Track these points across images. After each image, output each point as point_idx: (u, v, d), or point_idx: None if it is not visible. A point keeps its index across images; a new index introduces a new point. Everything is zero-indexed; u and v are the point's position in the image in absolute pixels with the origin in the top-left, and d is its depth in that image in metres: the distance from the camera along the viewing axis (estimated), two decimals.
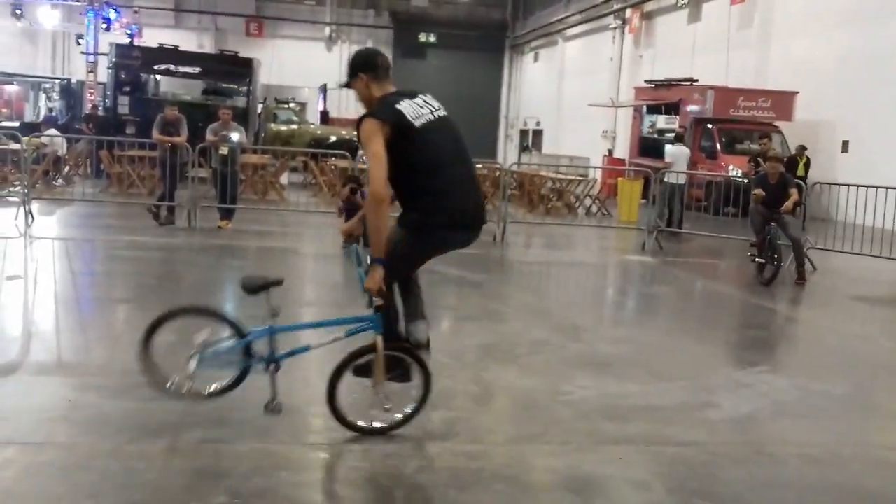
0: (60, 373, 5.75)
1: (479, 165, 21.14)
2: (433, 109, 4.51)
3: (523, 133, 39.94)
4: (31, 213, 12.79)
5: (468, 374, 6.12)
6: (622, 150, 28.17)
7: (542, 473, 4.43)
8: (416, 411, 4.73)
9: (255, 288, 4.48)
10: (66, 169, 18.72)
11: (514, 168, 20.92)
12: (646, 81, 25.86)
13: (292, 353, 4.66)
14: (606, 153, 28.88)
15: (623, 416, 5.32)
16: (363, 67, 4.59)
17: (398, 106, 4.38)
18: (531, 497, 4.14)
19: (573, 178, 20.08)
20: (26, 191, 13.43)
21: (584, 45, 34.07)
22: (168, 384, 4.60)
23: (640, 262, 12.85)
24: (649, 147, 24.35)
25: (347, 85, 4.64)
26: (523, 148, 38.18)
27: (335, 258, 11.23)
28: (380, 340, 4.46)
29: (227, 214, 13.28)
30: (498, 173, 18.34)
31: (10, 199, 14.90)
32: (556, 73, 35.88)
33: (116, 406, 4.95)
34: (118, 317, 7.76)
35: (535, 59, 39.53)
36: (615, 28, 30.68)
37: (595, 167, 24.47)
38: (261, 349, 4.58)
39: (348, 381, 4.62)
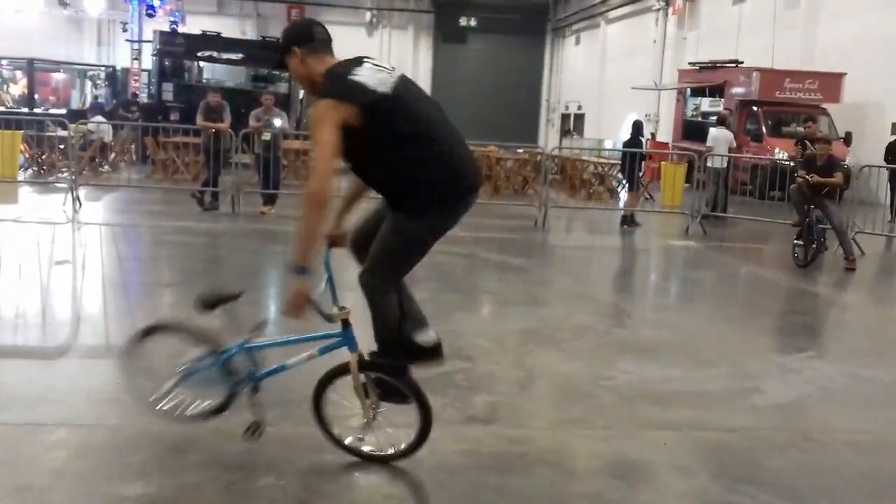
0: (109, 356, 5.84)
1: (520, 150, 21.10)
2: (389, 70, 3.79)
3: (564, 117, 39.66)
4: (78, 198, 12.99)
5: (510, 359, 6.13)
6: (665, 134, 27.86)
7: (586, 458, 4.42)
8: (412, 447, 4.07)
9: (210, 304, 3.91)
10: (113, 155, 18.99)
11: (556, 152, 20.80)
12: (690, 64, 25.54)
13: (272, 373, 4.07)
14: (649, 137, 28.60)
15: (667, 402, 5.29)
16: (296, 40, 3.81)
17: (353, 77, 3.63)
18: (575, 482, 4.14)
19: (615, 162, 19.91)
20: (74, 177, 13.65)
21: (626, 28, 33.71)
22: (151, 398, 4.19)
23: (683, 247, 12.72)
24: (693, 130, 24.04)
25: (280, 65, 3.87)
26: (565, 132, 37.93)
27: None
28: (354, 360, 3.87)
29: (269, 200, 13.38)
30: (539, 158, 18.24)
31: (58, 185, 15.19)
32: (598, 56, 35.55)
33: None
34: (164, 301, 7.87)
35: (577, 42, 39.19)
36: (658, 10, 30.31)
37: (637, 150, 24.23)
38: (241, 367, 4.07)
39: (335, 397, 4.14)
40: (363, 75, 3.63)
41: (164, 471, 3.94)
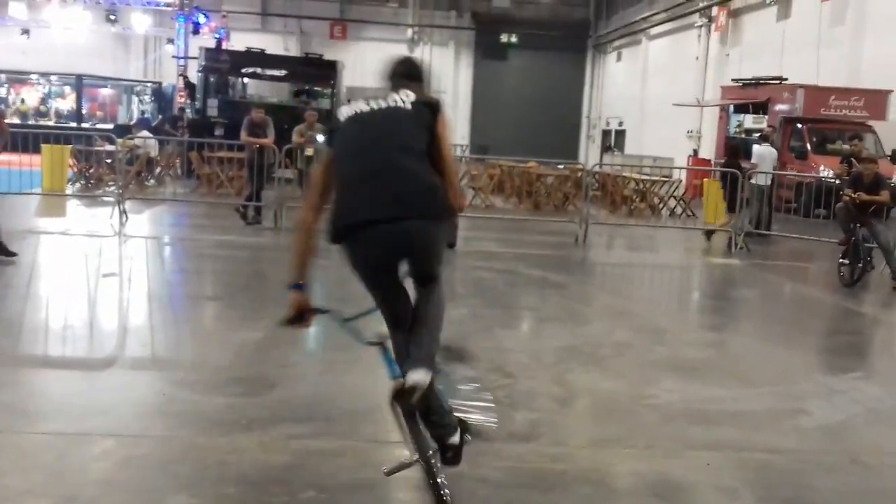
0: (155, 368, 5.93)
1: (560, 166, 21.07)
2: (385, 103, 3.64)
3: (605, 133, 39.52)
4: (124, 212, 13.20)
5: (550, 375, 6.10)
6: (708, 151, 27.63)
7: (628, 477, 4.38)
8: None
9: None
10: (158, 170, 19.28)
11: (597, 169, 20.74)
12: (733, 80, 25.32)
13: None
14: (691, 153, 28.38)
15: (710, 422, 5.23)
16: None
17: (339, 111, 3.77)
18: (616, 501, 4.11)
19: (657, 178, 19.81)
20: (120, 191, 13.88)
21: (668, 44, 33.53)
22: None
23: (726, 265, 12.60)
24: (736, 147, 23.81)
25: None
26: (605, 148, 37.79)
27: None
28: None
29: None
30: (580, 174, 18.20)
31: (105, 198, 15.44)
32: (640, 72, 35.40)
33: (209, 401, 5.08)
34: (208, 314, 7.96)
35: (618, 58, 39.06)
36: (701, 26, 30.11)
37: (679, 167, 24.09)
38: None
39: None
40: (349, 107, 3.68)
41: (209, 483, 3.98)
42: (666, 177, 20.47)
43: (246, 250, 11.56)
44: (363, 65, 34.41)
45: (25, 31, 32.88)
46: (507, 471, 4.30)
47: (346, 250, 3.57)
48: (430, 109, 3.65)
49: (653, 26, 34.07)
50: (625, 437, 4.93)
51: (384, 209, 3.43)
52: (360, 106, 3.65)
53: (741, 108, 24.95)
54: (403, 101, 3.62)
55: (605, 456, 4.63)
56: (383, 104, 3.63)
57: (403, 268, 3.60)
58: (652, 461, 4.56)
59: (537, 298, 9.29)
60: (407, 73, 3.90)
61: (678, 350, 7.21)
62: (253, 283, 9.62)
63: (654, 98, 33.68)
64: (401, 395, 3.43)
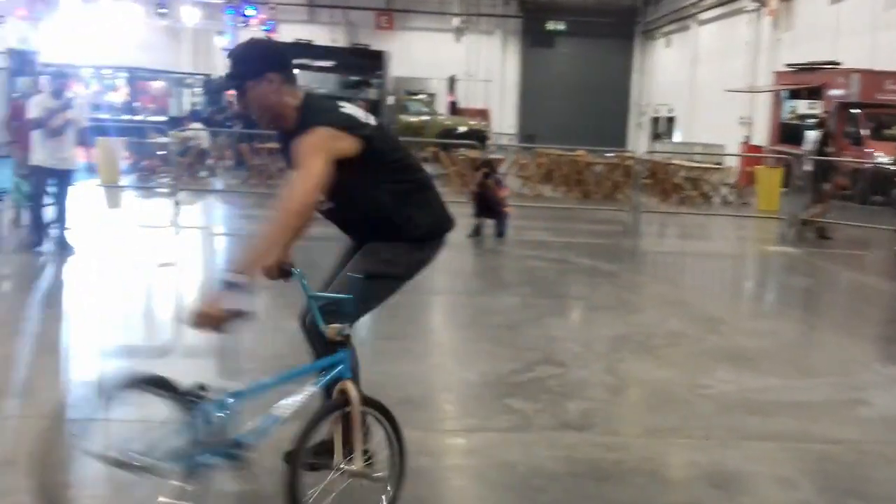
0: (209, 356, 6.00)
1: (609, 154, 20.89)
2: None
3: (654, 121, 39.11)
4: (178, 203, 13.39)
5: (602, 365, 6.07)
6: (760, 137, 27.20)
7: (683, 468, 4.35)
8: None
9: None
10: (210, 161, 19.52)
11: (647, 157, 20.52)
12: (786, 65, 24.89)
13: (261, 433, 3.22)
14: (744, 140, 27.96)
15: (767, 412, 5.16)
16: (275, 64, 3.43)
17: (344, 109, 3.43)
18: (673, 491, 4.08)
19: (708, 166, 19.55)
20: (174, 182, 14.08)
21: (718, 29, 33.04)
22: None
23: (781, 253, 12.39)
24: (790, 133, 23.41)
25: (239, 86, 3.40)
26: (655, 136, 37.41)
27: (462, 246, 11.25)
28: (352, 387, 3.24)
29: None
30: (630, 162, 18.03)
31: (159, 190, 15.69)
32: (690, 58, 34.94)
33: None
34: (259, 302, 8.03)
35: (668, 44, 38.60)
36: (752, 11, 29.60)
37: (731, 154, 23.76)
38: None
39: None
40: (349, 108, 3.45)
41: (265, 471, 4.01)
42: (717, 164, 20.19)
43: (300, 241, 11.62)
44: (409, 54, 34.54)
45: (79, 26, 33.45)
46: (562, 460, 4.29)
47: (431, 250, 3.64)
48: None
49: (702, 11, 33.60)
50: (680, 426, 4.88)
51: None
52: (358, 110, 3.51)
53: (794, 94, 24.53)
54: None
55: (660, 446, 4.59)
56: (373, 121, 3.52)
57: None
58: (708, 451, 4.51)
59: (588, 287, 9.23)
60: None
61: (733, 339, 7.12)
62: (307, 273, 9.68)
63: (704, 84, 33.25)
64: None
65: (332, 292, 3.50)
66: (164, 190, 14.83)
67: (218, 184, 17.66)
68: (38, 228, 9.59)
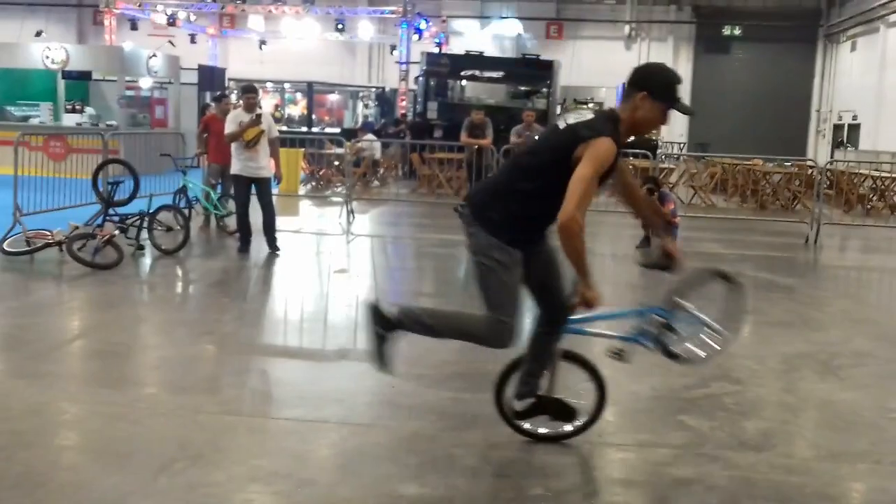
0: None
1: (787, 163, 20.02)
2: None
3: (837, 128, 37.11)
4: (352, 211, 13.86)
5: (781, 384, 5.83)
6: None
7: (871, 494, 4.12)
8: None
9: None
10: (381, 171, 20.08)
11: (830, 166, 19.53)
12: None
13: None
14: None
15: None
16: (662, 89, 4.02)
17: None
18: None
19: None
20: (348, 191, 14.59)
21: None
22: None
23: None
24: None
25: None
26: (837, 144, 35.50)
27: (627, 258, 11.05)
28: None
29: None
30: (810, 171, 17.21)
31: (334, 199, 16.28)
32: (877, 62, 32.94)
33: (434, 395, 5.25)
34: None
35: (853, 48, 36.57)
36: None
37: None
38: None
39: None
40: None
41: (438, 474, 4.10)
42: None
43: (464, 249, 11.76)
44: (578, 63, 34.29)
45: (262, 42, 35.24)
46: (740, 481, 4.15)
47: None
48: None
49: (892, 13, 31.63)
50: (868, 451, 4.61)
51: None
52: None
53: None
54: None
55: (846, 471, 4.36)
56: None
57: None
58: None
59: (765, 302, 8.85)
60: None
61: None
62: (472, 281, 9.80)
63: (892, 89, 31.29)
64: None
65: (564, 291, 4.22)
66: (339, 199, 15.38)
67: (389, 193, 18.13)
68: (245, 234, 10.17)
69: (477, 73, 24.68)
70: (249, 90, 10.65)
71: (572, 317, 4.21)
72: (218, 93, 16.73)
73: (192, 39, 33.52)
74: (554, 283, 4.20)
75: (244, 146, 9.87)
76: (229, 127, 9.99)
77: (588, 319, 4.27)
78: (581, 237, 3.73)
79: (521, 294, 4.11)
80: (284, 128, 25.22)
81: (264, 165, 10.09)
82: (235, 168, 10.01)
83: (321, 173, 19.09)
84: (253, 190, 10.03)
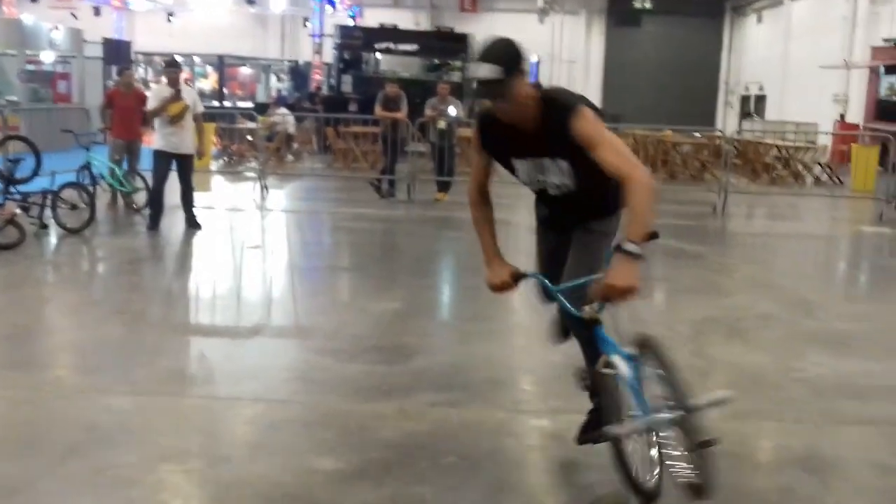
0: (298, 336, 6.14)
1: (697, 133, 20.46)
2: None
3: (744, 99, 38.10)
4: (265, 187, 13.65)
5: (690, 348, 5.97)
6: (855, 115, 26.26)
7: (775, 451, 4.27)
8: None
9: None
10: (295, 146, 19.82)
11: (736, 136, 20.03)
12: (884, 40, 23.95)
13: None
14: (838, 118, 27.05)
15: (863, 396, 5.01)
16: (521, 61, 3.42)
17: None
18: (764, 475, 4.00)
19: (800, 145, 18.98)
20: (261, 166, 14.36)
21: (813, 4, 31.93)
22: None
23: (877, 234, 11.98)
24: (887, 111, 22.56)
25: (499, 84, 3.30)
26: (745, 115, 36.45)
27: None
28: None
29: (443, 187, 13.60)
30: (718, 142, 17.63)
31: (247, 174, 16.02)
32: (782, 34, 33.87)
33: (350, 369, 5.23)
34: (346, 284, 8.17)
35: (759, 20, 37.48)
36: None
37: (825, 132, 23.00)
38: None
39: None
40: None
41: (353, 447, 4.09)
42: (810, 143, 19.58)
43: (381, 223, 11.77)
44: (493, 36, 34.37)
45: (170, 15, 34.33)
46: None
47: None
48: None
49: None
50: (772, 410, 4.77)
51: None
52: None
53: (893, 70, 23.62)
54: None
55: (751, 428, 4.50)
56: None
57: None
58: (801, 435, 4.41)
59: (674, 269, 9.06)
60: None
61: (826, 322, 6.92)
62: (388, 254, 9.82)
63: (797, 61, 32.21)
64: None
65: (571, 279, 3.62)
66: (252, 174, 15.13)
67: (304, 168, 17.92)
68: (157, 211, 9.95)
69: (391, 45, 24.51)
70: (172, 64, 10.43)
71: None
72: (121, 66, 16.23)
73: (97, 12, 32.43)
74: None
75: (168, 121, 9.67)
76: (152, 103, 9.85)
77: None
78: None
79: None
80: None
81: (188, 141, 9.90)
82: (158, 144, 9.86)
83: (234, 148, 18.74)
84: (173, 166, 9.85)
